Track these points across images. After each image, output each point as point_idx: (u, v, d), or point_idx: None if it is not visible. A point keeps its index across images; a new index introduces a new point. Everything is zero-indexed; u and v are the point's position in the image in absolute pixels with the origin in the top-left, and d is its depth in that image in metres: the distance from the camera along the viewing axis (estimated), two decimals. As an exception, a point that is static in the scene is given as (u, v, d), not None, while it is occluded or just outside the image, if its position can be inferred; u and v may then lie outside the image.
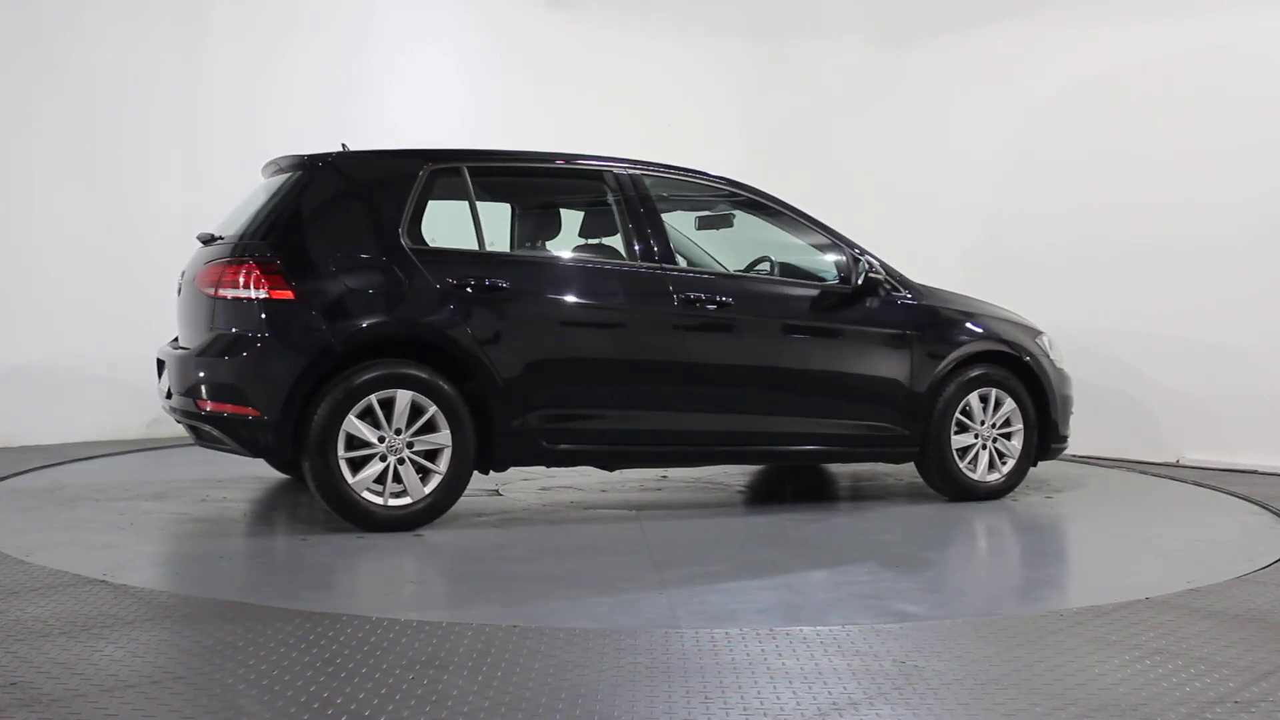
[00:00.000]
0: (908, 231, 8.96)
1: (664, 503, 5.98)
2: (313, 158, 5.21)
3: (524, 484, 6.33)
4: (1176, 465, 7.72)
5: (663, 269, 5.42)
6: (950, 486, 5.92)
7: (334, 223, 5.10)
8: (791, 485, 6.72)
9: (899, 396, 5.77)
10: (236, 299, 4.87)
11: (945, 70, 9.19)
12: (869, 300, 5.77)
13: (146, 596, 3.69)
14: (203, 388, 4.94)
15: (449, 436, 4.90)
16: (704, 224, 6.30)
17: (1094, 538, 5.46)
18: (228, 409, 4.85)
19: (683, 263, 5.77)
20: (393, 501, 4.86)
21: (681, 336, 5.37)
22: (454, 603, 3.97)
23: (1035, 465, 6.19)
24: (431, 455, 4.92)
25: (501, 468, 5.23)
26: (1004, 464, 6.01)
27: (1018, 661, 3.13)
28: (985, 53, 8.97)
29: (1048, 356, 6.16)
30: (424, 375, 4.87)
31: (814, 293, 5.79)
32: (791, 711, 2.71)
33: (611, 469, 5.79)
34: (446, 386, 4.91)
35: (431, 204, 5.28)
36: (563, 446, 5.18)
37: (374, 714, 2.62)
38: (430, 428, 4.90)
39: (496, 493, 6.07)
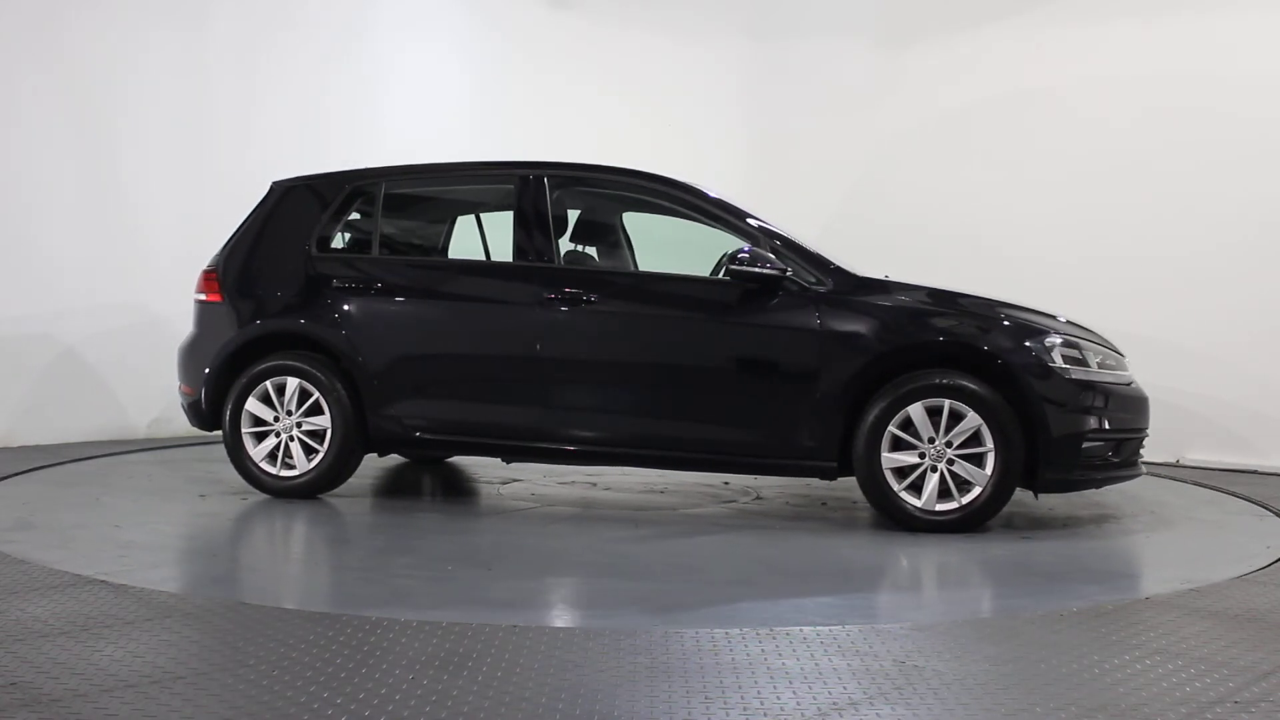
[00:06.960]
0: (907, 230, 8.97)
1: (681, 506, 5.99)
2: (276, 183, 6.07)
3: (527, 479, 6.32)
4: (1176, 465, 7.72)
5: (534, 267, 5.50)
6: (888, 512, 5.10)
7: (268, 236, 5.98)
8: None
9: (801, 402, 5.14)
10: (198, 301, 6.02)
11: (945, 70, 9.19)
12: (772, 292, 5.19)
13: (146, 596, 3.69)
14: (177, 371, 6.10)
15: (330, 419, 5.59)
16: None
17: (1094, 537, 5.45)
18: (182, 389, 6.06)
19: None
20: (283, 473, 5.67)
21: (542, 334, 5.40)
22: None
23: (1035, 497, 5.49)
24: (322, 435, 5.62)
25: (383, 451, 5.90)
26: (965, 492, 5.03)
27: (1018, 661, 3.13)
28: (985, 53, 8.97)
29: (1044, 363, 5.02)
30: (304, 366, 5.62)
31: (706, 287, 5.46)
32: (791, 711, 2.71)
33: (507, 461, 6.05)
34: (322, 375, 5.59)
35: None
36: (429, 435, 5.59)
37: (374, 714, 2.62)
38: (320, 411, 5.62)
39: (497, 488, 6.08)
